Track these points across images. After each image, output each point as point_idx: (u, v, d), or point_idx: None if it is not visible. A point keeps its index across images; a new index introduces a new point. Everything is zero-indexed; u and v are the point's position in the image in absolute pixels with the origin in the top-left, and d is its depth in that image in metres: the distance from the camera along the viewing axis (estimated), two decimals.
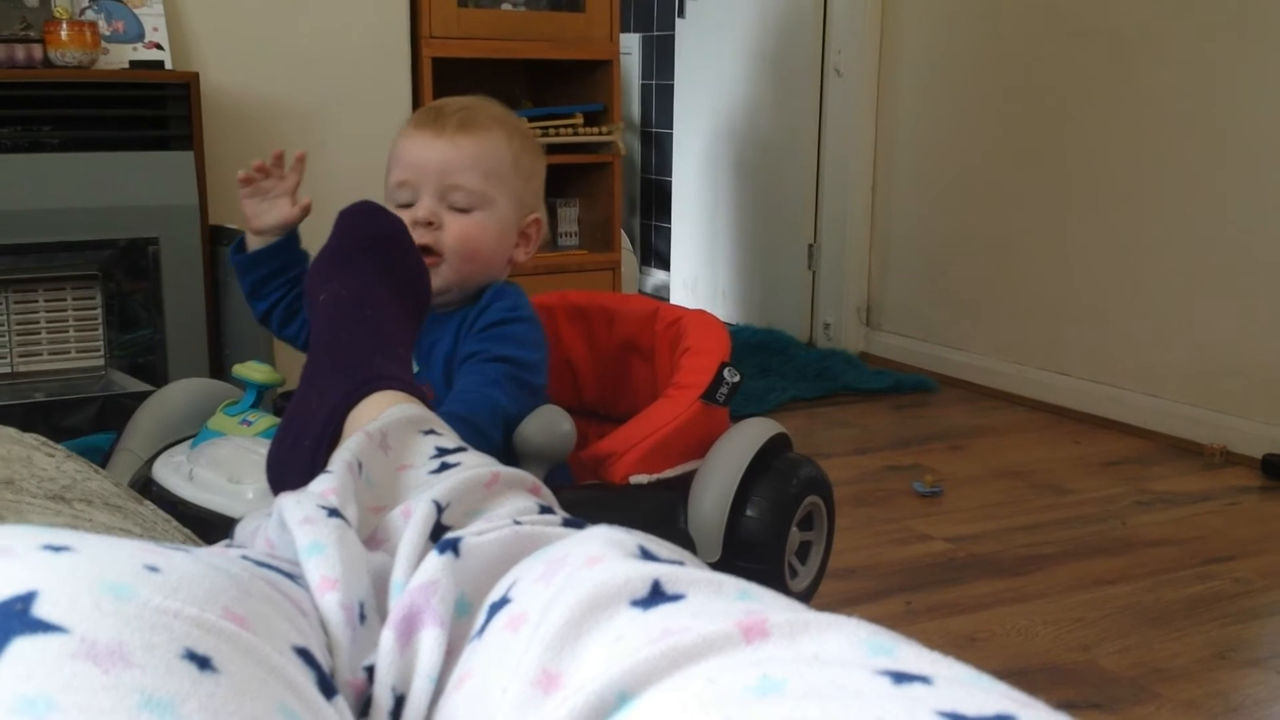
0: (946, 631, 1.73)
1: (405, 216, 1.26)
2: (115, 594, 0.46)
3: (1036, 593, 1.87)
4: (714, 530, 1.34)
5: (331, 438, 0.98)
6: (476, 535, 0.66)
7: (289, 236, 1.37)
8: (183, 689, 0.44)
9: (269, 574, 0.58)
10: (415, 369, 1.30)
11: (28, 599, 0.45)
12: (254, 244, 1.37)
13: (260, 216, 1.35)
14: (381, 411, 0.93)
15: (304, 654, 0.53)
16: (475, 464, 0.83)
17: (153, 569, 0.49)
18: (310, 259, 1.35)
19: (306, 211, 1.36)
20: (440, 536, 0.68)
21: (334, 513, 0.70)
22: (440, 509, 0.73)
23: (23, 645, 0.43)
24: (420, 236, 1.26)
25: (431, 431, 0.92)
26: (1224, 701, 1.54)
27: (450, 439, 0.91)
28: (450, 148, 1.30)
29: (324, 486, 0.76)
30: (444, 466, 0.84)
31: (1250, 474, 2.50)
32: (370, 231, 1.14)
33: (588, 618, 0.53)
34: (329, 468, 0.81)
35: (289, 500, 0.72)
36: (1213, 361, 2.66)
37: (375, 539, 0.75)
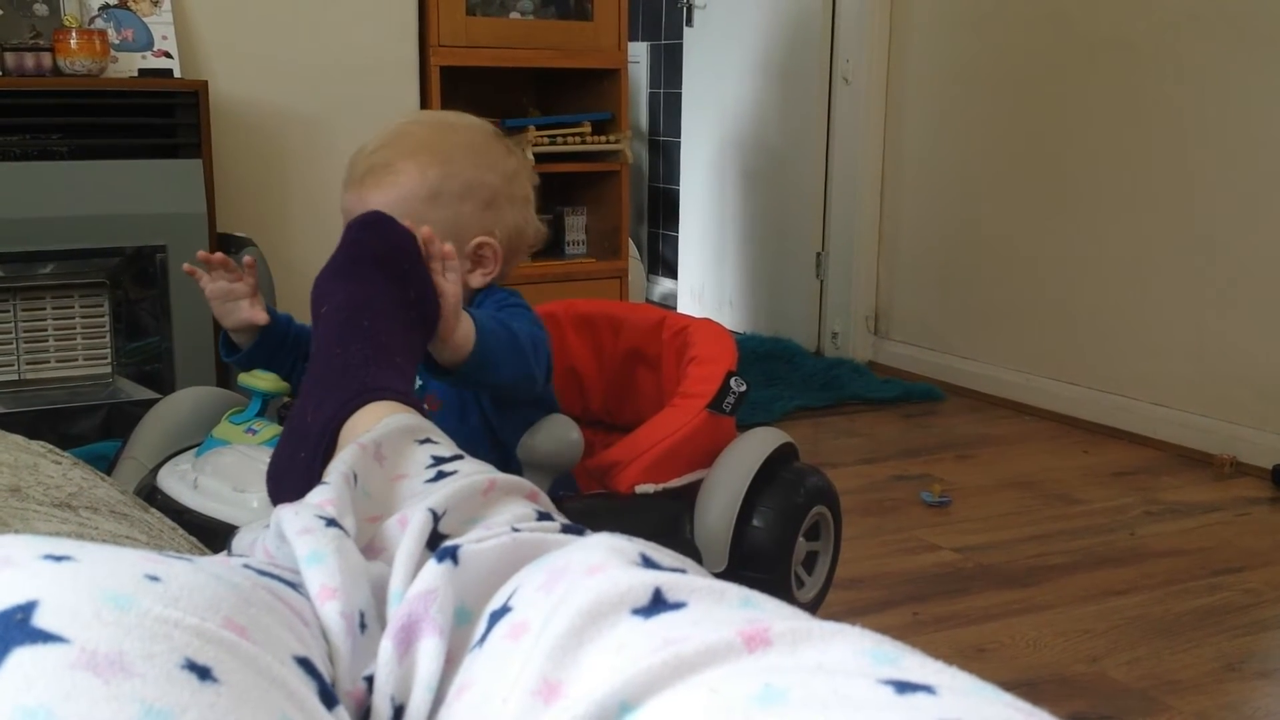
0: (954, 642, 1.72)
1: None
2: (116, 604, 0.46)
3: (1045, 603, 1.87)
4: (720, 540, 1.33)
5: (327, 449, 0.97)
6: (475, 543, 0.66)
7: (267, 327, 1.35)
8: (183, 699, 0.44)
9: (271, 583, 0.58)
10: (418, 382, 1.30)
11: (28, 609, 0.45)
12: (235, 339, 1.36)
13: (226, 317, 1.34)
14: (376, 422, 0.93)
15: (305, 664, 0.53)
16: (472, 471, 0.83)
17: (153, 578, 0.49)
18: (294, 323, 1.37)
19: (260, 319, 1.33)
20: (438, 545, 0.68)
21: (332, 523, 0.69)
22: (437, 517, 0.73)
23: (23, 655, 0.43)
24: None
25: (428, 440, 0.91)
26: (1234, 713, 1.53)
27: (447, 448, 0.91)
28: (359, 203, 1.26)
29: (321, 498, 0.76)
30: (440, 475, 0.84)
31: (1260, 484, 2.49)
32: (377, 243, 1.13)
33: (589, 626, 0.52)
34: (325, 480, 0.81)
35: (287, 512, 0.71)
36: (1223, 371, 2.65)
37: (372, 548, 0.75)
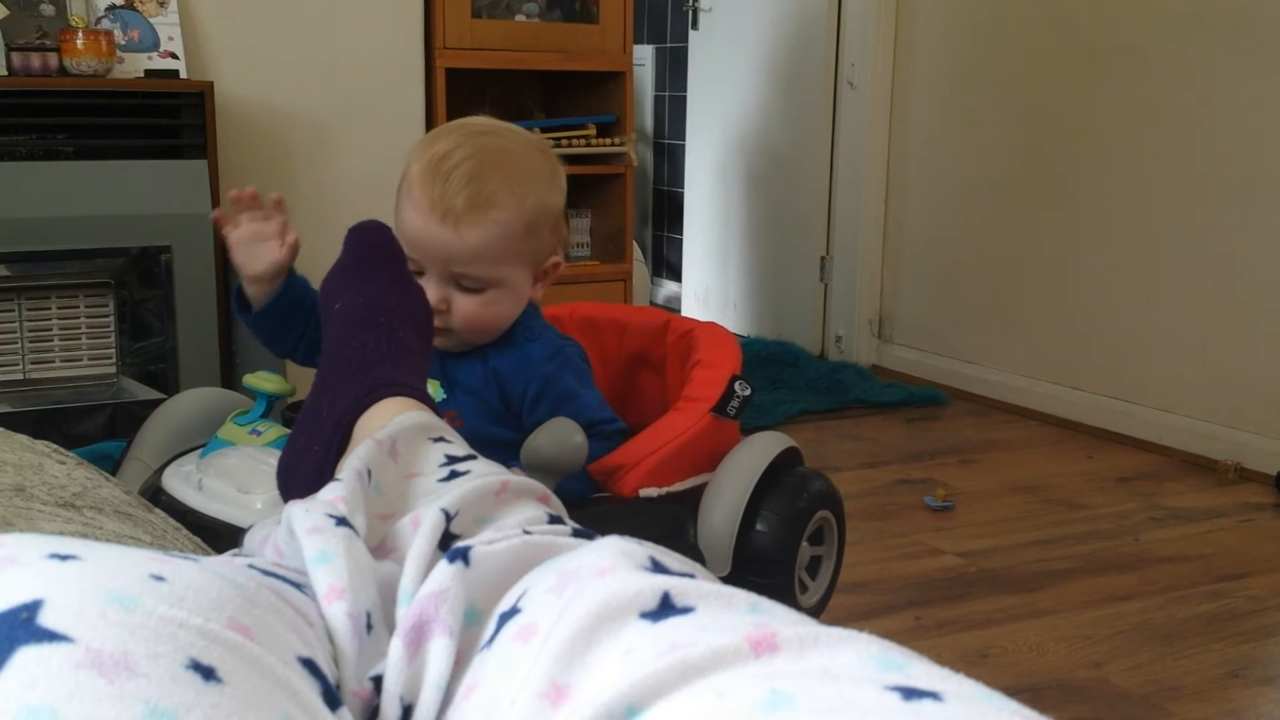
0: (957, 647, 1.72)
1: None
2: (121, 603, 0.46)
3: (1048, 609, 1.86)
4: (724, 545, 1.33)
5: (340, 443, 0.98)
6: (486, 544, 0.66)
7: (288, 280, 1.29)
8: (187, 699, 0.44)
9: (275, 583, 0.58)
10: (442, 396, 1.31)
11: (33, 608, 0.45)
12: (253, 293, 1.29)
13: (251, 263, 1.27)
14: (391, 418, 0.93)
15: (309, 664, 0.53)
16: (484, 472, 0.83)
17: (159, 578, 0.49)
18: (310, 283, 1.31)
19: (294, 250, 1.28)
20: (449, 545, 0.68)
21: (342, 521, 0.70)
22: (449, 517, 0.73)
23: (28, 654, 0.43)
24: None
25: (441, 439, 0.91)
26: None
27: (460, 447, 0.91)
28: (455, 239, 1.22)
29: (333, 495, 0.76)
30: (453, 474, 0.84)
31: (1264, 491, 2.48)
32: (381, 245, 1.14)
33: (597, 629, 0.52)
34: (338, 475, 0.81)
35: (298, 509, 0.71)
36: (1227, 377, 2.65)
37: (384, 547, 0.75)
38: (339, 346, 1.05)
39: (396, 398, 0.99)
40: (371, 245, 1.14)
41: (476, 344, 1.31)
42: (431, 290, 1.22)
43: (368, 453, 0.84)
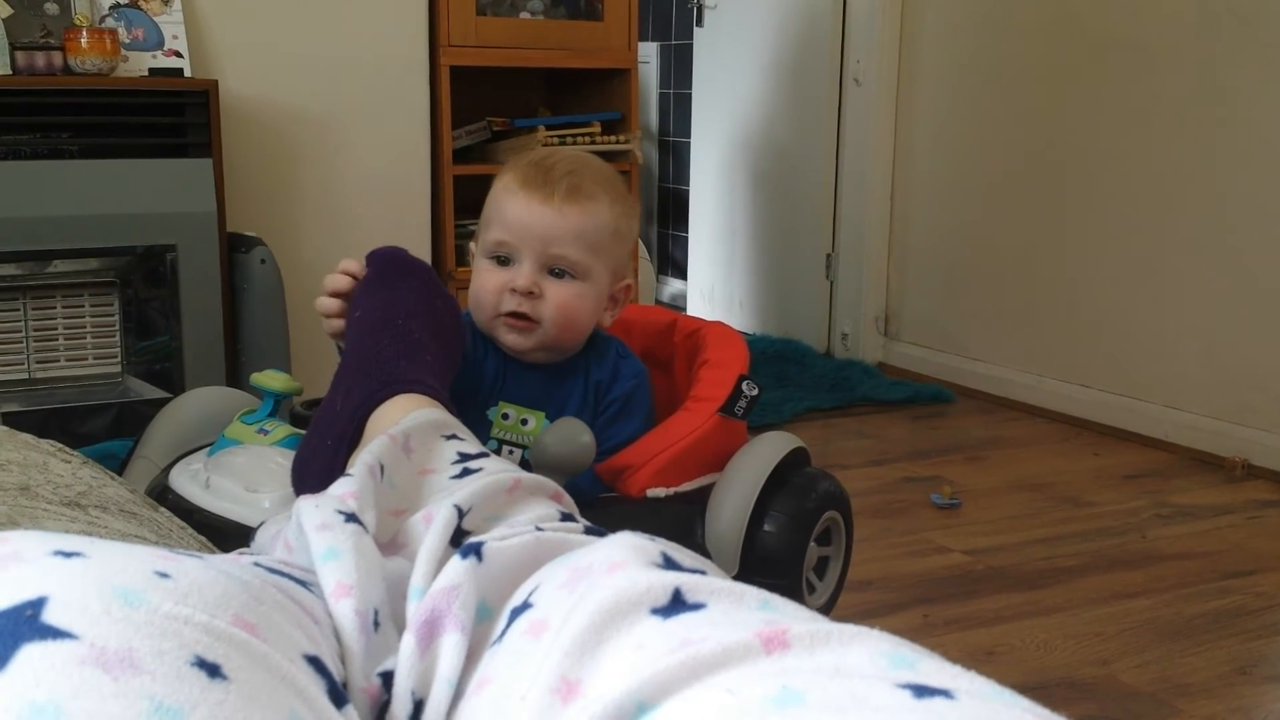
0: (964, 644, 1.71)
1: (502, 278, 1.27)
2: (125, 600, 0.46)
3: (1055, 606, 1.86)
4: (731, 545, 1.33)
5: (352, 439, 0.98)
6: (499, 540, 0.66)
7: None
8: (192, 696, 0.44)
9: (281, 581, 0.58)
10: (544, 418, 1.32)
11: (38, 604, 0.45)
12: None
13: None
14: (405, 414, 0.93)
15: (315, 662, 0.52)
16: (497, 470, 0.83)
17: (163, 575, 0.49)
18: None
19: None
20: (461, 541, 0.68)
21: (351, 518, 0.69)
22: (462, 514, 0.73)
23: (32, 651, 0.43)
24: (518, 305, 1.26)
25: (454, 436, 0.91)
26: (1245, 718, 1.53)
27: (472, 445, 0.91)
28: (557, 216, 1.26)
29: (343, 490, 0.76)
30: (466, 471, 0.84)
31: (1272, 487, 2.48)
32: (402, 262, 1.18)
33: (608, 625, 0.52)
34: (350, 470, 0.81)
35: (307, 504, 0.71)
36: (1234, 374, 2.64)
37: (395, 543, 0.75)
38: (356, 346, 1.06)
39: (410, 395, 0.99)
40: (396, 264, 1.17)
41: (559, 347, 1.33)
42: (524, 275, 1.26)
43: (381, 448, 0.84)
